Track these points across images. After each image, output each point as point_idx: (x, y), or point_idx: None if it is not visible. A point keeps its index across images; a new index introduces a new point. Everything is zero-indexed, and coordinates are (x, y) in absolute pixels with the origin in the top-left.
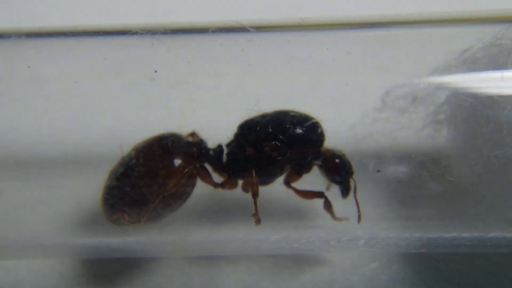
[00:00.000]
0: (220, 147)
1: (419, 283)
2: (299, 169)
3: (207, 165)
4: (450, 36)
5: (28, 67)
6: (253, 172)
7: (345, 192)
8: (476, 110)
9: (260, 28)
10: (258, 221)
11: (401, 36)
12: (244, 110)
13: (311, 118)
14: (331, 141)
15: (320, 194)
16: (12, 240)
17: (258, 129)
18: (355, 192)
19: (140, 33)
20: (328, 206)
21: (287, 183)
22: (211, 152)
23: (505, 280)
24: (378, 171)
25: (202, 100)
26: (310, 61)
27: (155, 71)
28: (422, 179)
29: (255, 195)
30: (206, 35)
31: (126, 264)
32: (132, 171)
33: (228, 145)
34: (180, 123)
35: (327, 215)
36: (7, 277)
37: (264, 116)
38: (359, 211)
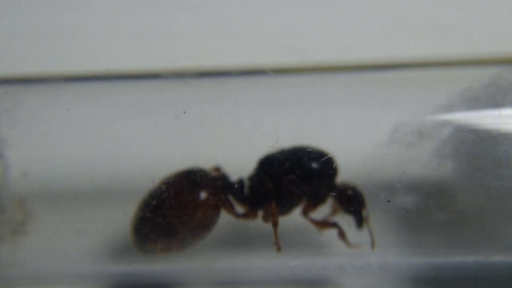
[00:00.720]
0: (241, 181)
1: None
2: (315, 201)
3: (230, 197)
4: (452, 77)
5: (68, 109)
6: (273, 204)
7: (359, 222)
8: (477, 146)
9: (278, 71)
10: (278, 249)
11: (408, 77)
12: (264, 147)
13: (326, 154)
14: (345, 173)
15: (333, 224)
16: (51, 269)
17: (276, 164)
18: (368, 221)
19: (170, 77)
20: (341, 235)
21: (304, 213)
22: (234, 185)
23: None
24: (388, 201)
25: (226, 137)
26: (325, 100)
27: (184, 112)
28: (429, 209)
29: (275, 225)
30: (230, 78)
31: None
32: (164, 203)
33: (249, 178)
34: (205, 159)
35: (341, 243)
36: None
37: (282, 152)
38: (372, 238)
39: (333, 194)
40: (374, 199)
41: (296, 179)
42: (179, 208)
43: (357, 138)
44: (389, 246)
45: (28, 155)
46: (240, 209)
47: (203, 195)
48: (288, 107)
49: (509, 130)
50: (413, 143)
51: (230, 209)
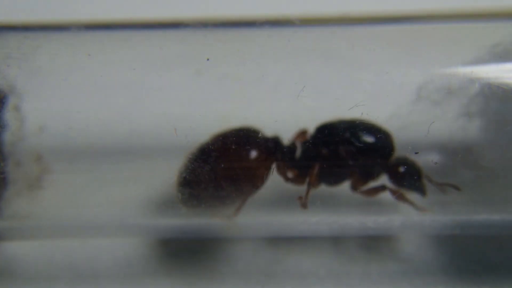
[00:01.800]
0: (294, 144)
1: (451, 265)
2: (366, 176)
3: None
4: (482, 31)
5: (89, 54)
6: (317, 165)
7: (421, 193)
8: (507, 99)
9: (305, 21)
10: (304, 205)
11: (435, 31)
12: (289, 99)
13: (384, 130)
14: None
15: (382, 187)
16: (86, 220)
17: (335, 132)
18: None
19: (193, 26)
20: (398, 197)
21: (354, 188)
22: (285, 149)
23: None
24: (416, 153)
25: (250, 90)
26: (352, 52)
27: (207, 59)
28: (455, 166)
29: (312, 184)
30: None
31: (178, 246)
32: (212, 159)
33: (303, 143)
34: (227, 112)
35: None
36: (82, 254)
37: (341, 122)
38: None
39: (385, 172)
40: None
41: (352, 151)
42: (227, 164)
43: (382, 95)
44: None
45: (45, 108)
46: (288, 173)
47: (253, 154)
48: (313, 60)
49: None
50: (440, 101)
51: (282, 171)
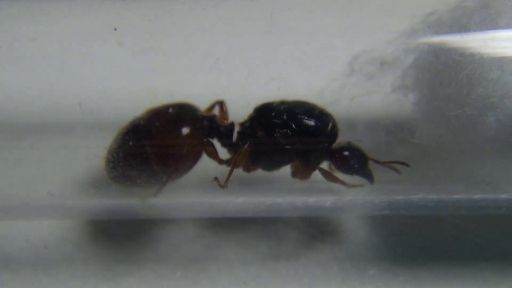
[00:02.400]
0: (232, 124)
1: (384, 247)
2: (307, 163)
3: (216, 141)
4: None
5: None
6: (248, 146)
7: (367, 178)
8: (439, 72)
9: None
10: (224, 186)
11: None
12: (204, 72)
13: (328, 114)
14: None
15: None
16: (17, 201)
17: (273, 114)
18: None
19: None
20: (328, 176)
21: (294, 175)
22: (222, 129)
23: (469, 243)
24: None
25: (161, 60)
26: (273, 21)
27: (115, 29)
28: (387, 143)
29: (235, 164)
30: None
31: (96, 227)
32: (138, 135)
33: (241, 124)
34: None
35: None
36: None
37: (282, 103)
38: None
39: (327, 158)
40: None
41: (289, 134)
42: (157, 141)
43: (313, 67)
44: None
45: None
46: (226, 154)
47: (185, 132)
48: (234, 29)
49: (473, 53)
50: (373, 73)
51: (213, 154)
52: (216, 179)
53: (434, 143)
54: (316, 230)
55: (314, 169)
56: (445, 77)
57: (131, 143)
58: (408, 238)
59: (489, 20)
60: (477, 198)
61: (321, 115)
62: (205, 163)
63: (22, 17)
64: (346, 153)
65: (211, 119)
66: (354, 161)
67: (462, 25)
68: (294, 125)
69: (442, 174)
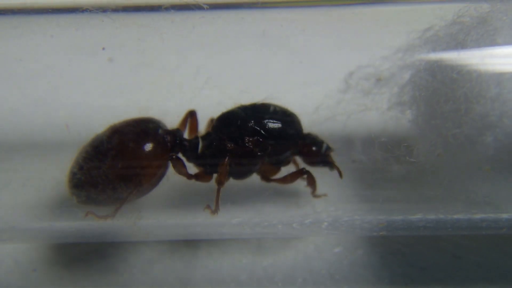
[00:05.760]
0: (196, 138)
1: (383, 267)
2: (278, 163)
3: (181, 156)
4: (412, 15)
5: None
6: (226, 161)
7: (332, 167)
8: (436, 90)
9: (214, 5)
10: (215, 211)
11: (364, 15)
12: (196, 89)
13: (290, 112)
14: None
15: (301, 172)
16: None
17: (238, 123)
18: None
19: (90, 10)
20: (312, 181)
21: (265, 178)
22: (186, 143)
23: (470, 263)
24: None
25: (151, 77)
26: (264, 38)
27: (103, 48)
28: (385, 161)
29: (220, 183)
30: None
31: (83, 249)
32: (99, 153)
33: (204, 137)
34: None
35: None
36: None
37: (243, 109)
38: (338, 169)
39: (296, 153)
40: None
41: (260, 141)
42: (118, 159)
43: (308, 83)
44: (341, 202)
45: None
46: (193, 169)
47: (147, 148)
48: (225, 46)
49: (470, 71)
50: (369, 90)
51: (181, 169)
52: (208, 206)
53: (432, 162)
54: (313, 250)
55: (285, 166)
56: (442, 95)
57: (92, 162)
58: (407, 257)
59: (486, 37)
60: (478, 218)
61: (283, 114)
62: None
63: (8, 37)
64: (314, 147)
65: (175, 133)
66: (320, 152)
67: (459, 42)
68: (263, 130)
69: (440, 194)
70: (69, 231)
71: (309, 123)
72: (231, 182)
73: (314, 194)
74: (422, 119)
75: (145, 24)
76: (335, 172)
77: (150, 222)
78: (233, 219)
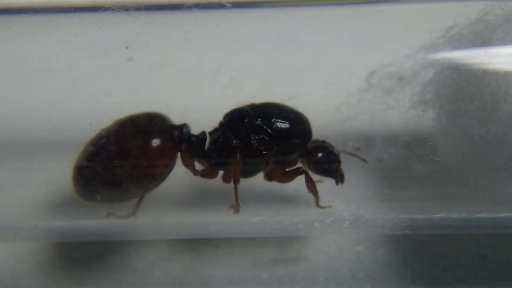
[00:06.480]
0: (203, 134)
1: (404, 266)
2: (283, 164)
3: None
4: (435, 13)
5: None
6: (237, 158)
7: (338, 180)
8: (461, 88)
9: (236, 4)
10: (237, 210)
11: (386, 14)
12: (218, 88)
13: (300, 114)
14: (315, 122)
15: (298, 171)
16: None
17: (246, 120)
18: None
19: (113, 9)
20: (310, 184)
21: (269, 177)
22: (193, 138)
23: (493, 262)
24: (358, 149)
25: (173, 77)
26: (287, 36)
27: (126, 47)
28: (407, 160)
29: (236, 181)
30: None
31: (103, 248)
32: (106, 148)
33: (212, 133)
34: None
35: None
36: None
37: (252, 107)
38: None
39: (303, 157)
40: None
41: (266, 139)
42: (121, 154)
43: (330, 82)
44: (362, 201)
45: None
46: (199, 165)
47: (154, 143)
48: (248, 45)
49: (497, 70)
50: (391, 88)
51: (189, 164)
52: (232, 206)
53: (457, 161)
54: (334, 248)
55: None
56: (467, 94)
57: (97, 158)
58: (429, 256)
59: None
60: (501, 217)
61: (294, 116)
62: None
63: (31, 36)
64: (320, 154)
65: (182, 128)
66: (327, 162)
67: (484, 40)
68: (269, 129)
69: (465, 193)
70: (90, 229)
71: (330, 122)
72: (254, 181)
73: (317, 203)
74: (446, 117)
75: (167, 22)
76: (356, 170)
77: (172, 220)
78: (254, 218)
